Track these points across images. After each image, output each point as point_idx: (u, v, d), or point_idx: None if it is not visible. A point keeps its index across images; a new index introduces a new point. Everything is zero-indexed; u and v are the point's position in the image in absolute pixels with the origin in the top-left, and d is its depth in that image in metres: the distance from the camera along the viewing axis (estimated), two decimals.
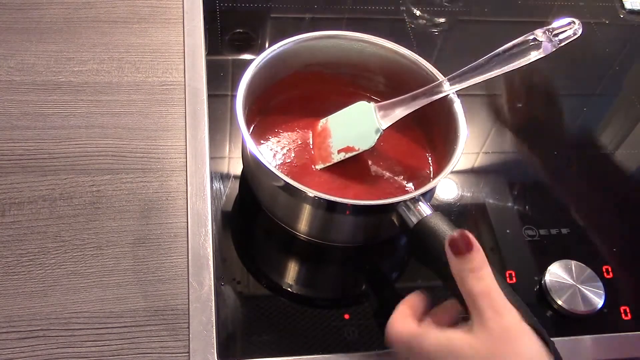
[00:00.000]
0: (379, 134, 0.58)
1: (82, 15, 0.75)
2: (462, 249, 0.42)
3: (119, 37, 0.73)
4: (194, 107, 0.67)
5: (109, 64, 0.71)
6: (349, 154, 0.59)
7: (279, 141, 0.62)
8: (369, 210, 0.54)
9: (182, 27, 0.76)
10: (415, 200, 0.51)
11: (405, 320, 0.45)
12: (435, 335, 0.42)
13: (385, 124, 0.58)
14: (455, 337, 0.41)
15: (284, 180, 0.51)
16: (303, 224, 0.57)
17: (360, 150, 0.59)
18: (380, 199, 0.55)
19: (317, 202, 0.53)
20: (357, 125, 0.59)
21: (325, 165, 0.60)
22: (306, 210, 0.55)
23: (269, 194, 0.58)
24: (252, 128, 0.62)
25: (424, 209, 0.50)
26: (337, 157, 0.59)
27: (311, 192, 0.51)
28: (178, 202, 0.61)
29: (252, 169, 0.58)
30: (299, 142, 0.62)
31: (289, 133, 0.62)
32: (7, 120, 0.64)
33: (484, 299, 0.41)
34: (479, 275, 0.42)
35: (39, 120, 0.65)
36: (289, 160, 0.60)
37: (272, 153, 0.61)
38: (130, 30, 0.74)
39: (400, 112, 0.58)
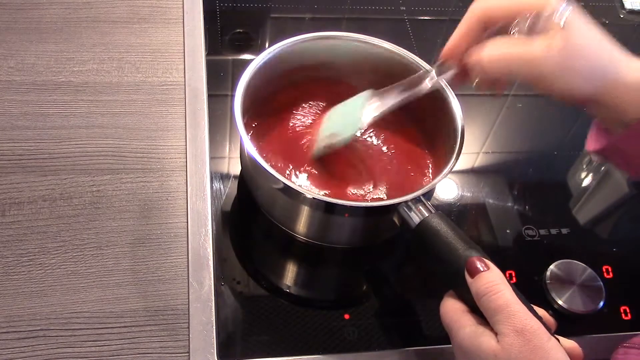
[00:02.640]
0: (357, 127, 0.56)
1: (82, 15, 0.75)
2: (477, 269, 0.44)
3: (119, 37, 0.73)
4: (194, 107, 0.67)
5: (109, 64, 0.71)
6: (333, 141, 0.57)
7: (277, 142, 0.61)
8: (370, 212, 0.54)
9: (182, 27, 0.76)
10: (416, 200, 0.51)
11: (455, 302, 0.46)
12: (469, 332, 0.43)
13: (375, 112, 0.55)
14: (485, 339, 0.42)
15: (283, 182, 0.51)
16: (301, 226, 0.57)
17: (343, 138, 0.57)
18: (381, 199, 0.55)
19: (316, 204, 0.53)
20: (347, 114, 0.58)
21: (313, 153, 0.58)
22: (305, 212, 0.55)
23: (268, 195, 0.58)
24: (250, 129, 0.62)
25: (426, 208, 0.50)
26: (321, 143, 0.57)
27: (310, 194, 0.51)
28: (178, 202, 0.61)
29: (251, 171, 0.58)
30: (298, 144, 0.62)
31: (288, 134, 0.62)
32: (7, 120, 0.64)
33: (504, 313, 0.42)
34: (496, 291, 0.43)
35: (39, 120, 0.65)
36: (287, 163, 0.60)
37: (270, 154, 0.60)
38: (130, 30, 0.74)
39: (390, 100, 0.55)
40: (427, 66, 0.59)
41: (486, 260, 0.45)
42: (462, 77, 0.50)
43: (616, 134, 0.48)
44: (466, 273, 0.44)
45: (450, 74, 0.51)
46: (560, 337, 0.43)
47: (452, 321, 0.45)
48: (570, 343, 0.44)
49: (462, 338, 0.44)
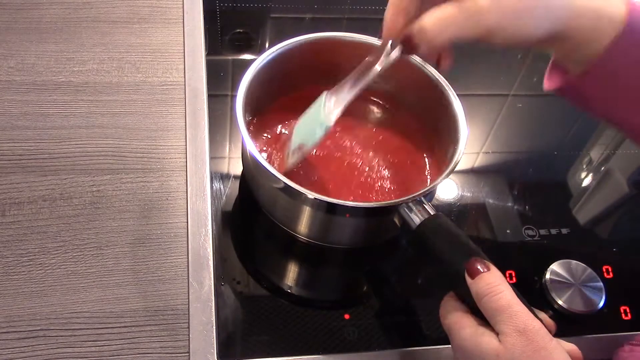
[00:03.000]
0: (324, 128, 0.53)
1: (82, 15, 0.75)
2: (477, 270, 0.44)
3: (119, 37, 0.73)
4: (194, 107, 0.67)
5: (109, 64, 0.71)
6: (301, 153, 0.55)
7: (279, 143, 0.62)
8: (371, 212, 0.53)
9: (182, 27, 0.76)
10: (417, 201, 0.51)
11: (455, 303, 0.47)
12: (470, 332, 0.43)
13: (335, 110, 0.52)
14: (486, 340, 0.42)
15: (284, 182, 0.51)
16: (303, 226, 0.57)
17: (309, 147, 0.55)
18: (380, 200, 0.55)
19: (318, 204, 0.53)
20: (309, 122, 0.55)
21: (285, 170, 0.57)
22: (306, 213, 0.55)
23: (269, 195, 0.58)
24: (252, 129, 0.62)
25: (427, 209, 0.50)
26: (291, 159, 0.56)
27: (311, 194, 0.51)
28: (178, 202, 0.61)
29: (252, 171, 0.58)
30: None
31: (289, 134, 0.62)
32: (7, 120, 0.64)
33: (506, 313, 0.42)
34: (497, 292, 0.43)
35: (39, 120, 0.65)
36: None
37: (272, 155, 0.60)
38: (130, 30, 0.74)
39: (345, 95, 0.52)
40: (434, 72, 0.59)
41: (486, 262, 0.45)
42: (409, 51, 0.47)
43: (574, 72, 0.45)
44: (466, 274, 0.44)
45: (396, 51, 0.48)
46: (559, 340, 0.43)
47: (452, 322, 0.45)
48: (569, 346, 0.44)
49: (463, 339, 0.43)
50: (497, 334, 0.42)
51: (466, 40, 0.43)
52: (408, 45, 0.45)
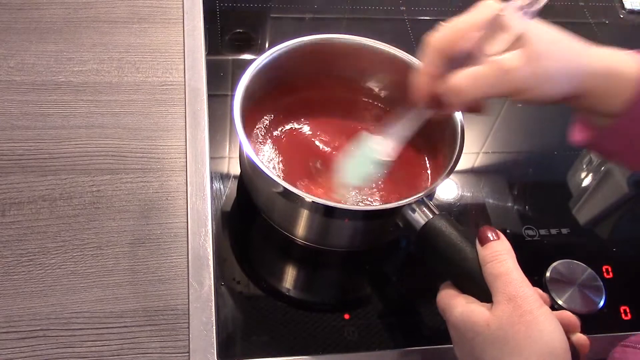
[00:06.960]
0: (381, 164, 0.53)
1: (82, 15, 0.75)
2: (488, 238, 0.46)
3: (119, 37, 0.73)
4: (194, 107, 0.67)
5: (109, 64, 0.71)
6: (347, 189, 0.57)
7: (277, 145, 0.61)
8: (373, 215, 0.53)
9: (182, 27, 0.76)
10: (420, 202, 0.50)
11: (450, 289, 0.48)
12: (462, 309, 0.45)
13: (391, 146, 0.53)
14: (477, 312, 0.44)
15: (282, 186, 0.50)
16: (301, 230, 0.57)
17: (358, 185, 0.56)
18: (380, 202, 0.55)
19: (316, 208, 0.52)
20: (359, 161, 0.54)
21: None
22: (304, 216, 0.55)
23: (267, 198, 0.58)
24: (250, 131, 0.62)
25: (430, 210, 0.50)
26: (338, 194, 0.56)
27: (309, 198, 0.50)
28: (178, 202, 0.61)
29: (250, 174, 0.58)
30: (298, 146, 0.61)
31: (288, 137, 0.62)
32: (7, 120, 0.64)
33: (502, 280, 0.43)
34: (501, 260, 0.44)
35: (39, 120, 0.65)
36: (287, 166, 0.60)
37: (270, 158, 0.60)
38: (130, 30, 0.74)
39: (399, 132, 0.52)
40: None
41: (497, 231, 0.46)
42: (439, 108, 0.49)
43: (598, 127, 0.48)
44: (477, 241, 0.46)
45: (428, 114, 0.50)
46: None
47: (446, 304, 0.47)
48: (563, 313, 0.45)
49: (456, 317, 0.45)
50: (490, 307, 0.43)
51: (494, 97, 0.46)
52: (436, 104, 0.48)
